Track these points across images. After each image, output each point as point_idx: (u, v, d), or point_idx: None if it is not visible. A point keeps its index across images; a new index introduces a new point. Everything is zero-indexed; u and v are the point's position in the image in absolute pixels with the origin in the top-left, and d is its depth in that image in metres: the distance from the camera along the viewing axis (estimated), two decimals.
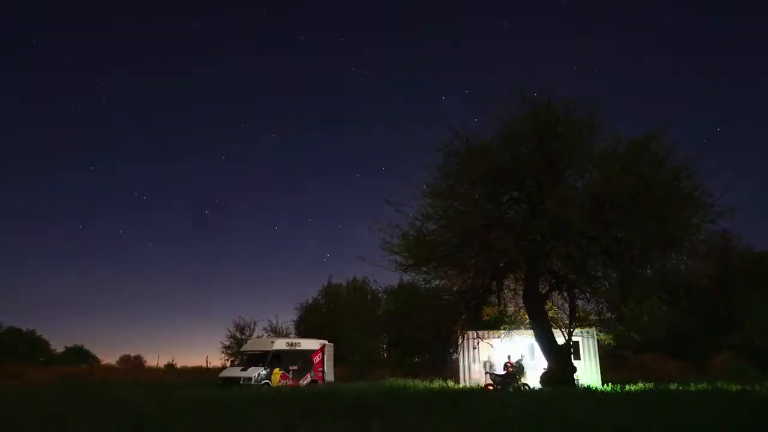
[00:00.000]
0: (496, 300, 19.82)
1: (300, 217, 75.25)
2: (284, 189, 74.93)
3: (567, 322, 18.91)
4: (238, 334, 34.29)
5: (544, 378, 18.04)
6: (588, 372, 20.09)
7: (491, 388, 18.31)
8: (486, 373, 19.67)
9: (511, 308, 20.45)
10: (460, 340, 21.04)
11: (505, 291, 20.04)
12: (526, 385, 18.39)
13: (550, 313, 19.56)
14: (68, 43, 71.82)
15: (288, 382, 21.73)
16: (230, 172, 74.36)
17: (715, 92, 69.20)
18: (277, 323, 34.91)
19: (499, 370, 19.39)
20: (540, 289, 18.87)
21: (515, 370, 18.71)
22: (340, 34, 76.49)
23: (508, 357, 19.32)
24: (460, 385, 20.19)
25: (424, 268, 19.16)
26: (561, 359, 18.03)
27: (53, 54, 71.09)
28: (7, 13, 63.46)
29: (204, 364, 33.99)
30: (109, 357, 40.88)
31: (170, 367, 33.86)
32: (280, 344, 22.78)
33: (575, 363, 18.88)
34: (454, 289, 19.60)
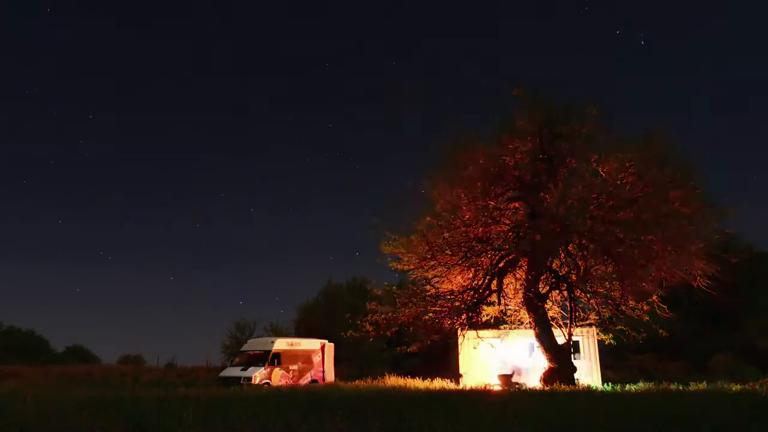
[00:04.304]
0: (496, 300, 19.80)
1: (300, 217, 75.28)
2: (284, 190, 75.00)
3: (567, 322, 18.89)
4: (238, 334, 34.30)
5: (545, 378, 18.03)
6: (588, 372, 20.07)
7: (497, 387, 18.26)
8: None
9: (511, 308, 20.42)
10: (460, 340, 21.01)
11: (505, 291, 20.02)
12: (518, 385, 18.26)
13: (550, 313, 19.55)
14: None
15: (288, 382, 21.71)
16: (232, 171, 74.44)
17: (715, 91, 69.23)
18: (277, 323, 34.95)
19: (504, 371, 19.34)
20: (540, 289, 18.86)
21: (512, 372, 18.67)
22: (339, 35, 76.52)
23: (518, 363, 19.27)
24: (461, 385, 20.16)
25: (424, 268, 19.18)
26: (561, 359, 18.03)
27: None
28: None
29: (204, 364, 33.99)
30: (109, 357, 40.93)
31: (170, 367, 33.84)
32: (280, 344, 22.76)
33: (575, 363, 18.87)
34: (454, 289, 19.59)
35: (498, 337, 20.86)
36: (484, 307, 19.90)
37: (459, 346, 21.31)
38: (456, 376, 21.74)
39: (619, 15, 67.12)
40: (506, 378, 18.48)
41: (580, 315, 19.11)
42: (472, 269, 18.93)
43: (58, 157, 74.55)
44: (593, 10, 66.03)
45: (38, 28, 71.17)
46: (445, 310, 18.75)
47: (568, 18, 70.55)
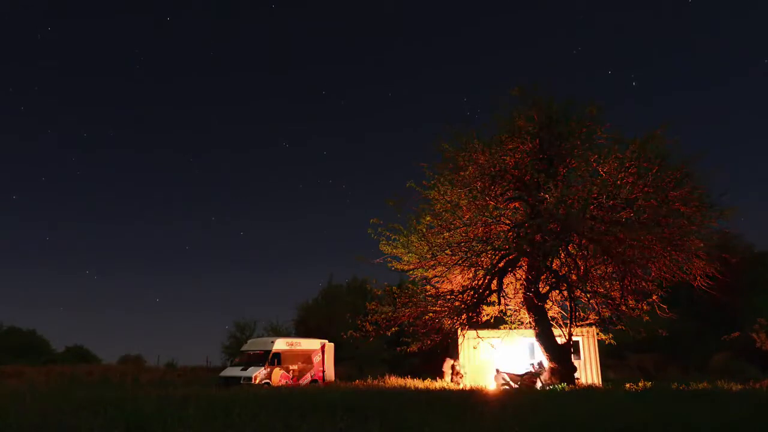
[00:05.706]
0: (496, 300, 19.80)
1: (301, 217, 75.27)
2: (284, 190, 75.03)
3: (567, 322, 18.88)
4: (238, 334, 34.31)
5: (544, 378, 18.00)
6: (588, 372, 20.07)
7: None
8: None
9: (511, 308, 20.42)
10: (460, 340, 20.99)
11: (505, 291, 20.01)
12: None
13: (550, 313, 19.54)
14: None
15: (288, 382, 21.71)
16: (233, 171, 74.47)
17: (716, 91, 69.24)
18: (277, 323, 34.95)
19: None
20: (540, 289, 18.86)
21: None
22: (342, 37, 76.53)
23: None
24: (461, 385, 20.15)
25: (424, 268, 19.16)
26: (561, 359, 18.01)
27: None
28: None
29: (204, 364, 33.98)
30: (109, 357, 40.87)
31: (170, 367, 33.82)
32: (280, 344, 22.75)
33: (575, 362, 18.85)
34: (454, 289, 19.57)
35: (498, 338, 20.86)
36: (484, 307, 19.87)
37: (459, 347, 21.29)
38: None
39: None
40: (522, 377, 18.42)
41: (580, 315, 19.10)
42: (472, 269, 18.90)
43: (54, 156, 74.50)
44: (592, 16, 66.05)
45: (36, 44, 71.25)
46: (445, 310, 18.73)
47: (568, 18, 70.54)
